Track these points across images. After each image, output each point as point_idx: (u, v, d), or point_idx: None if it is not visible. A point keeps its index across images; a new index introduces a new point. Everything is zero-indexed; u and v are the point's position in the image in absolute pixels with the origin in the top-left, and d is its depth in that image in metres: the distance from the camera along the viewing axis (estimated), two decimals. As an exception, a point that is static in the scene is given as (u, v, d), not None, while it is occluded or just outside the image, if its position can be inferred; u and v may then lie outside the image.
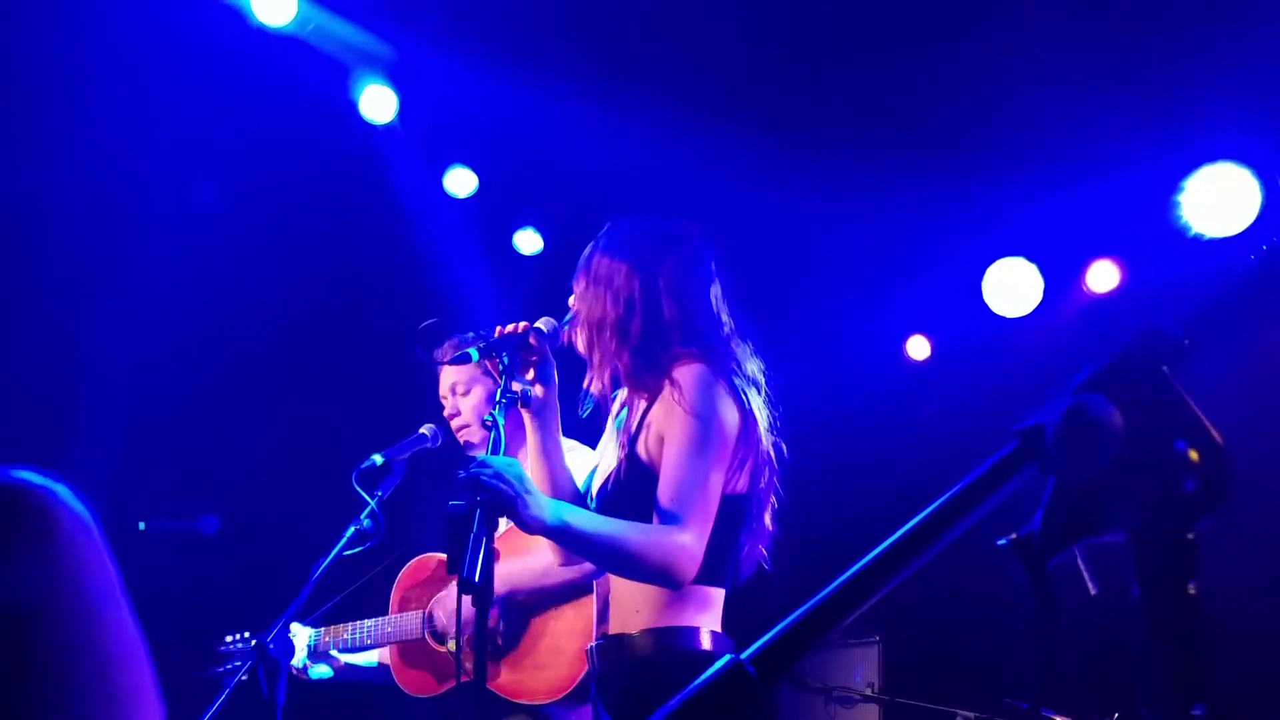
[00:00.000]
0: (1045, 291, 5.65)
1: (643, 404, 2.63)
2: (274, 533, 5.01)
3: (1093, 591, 4.14)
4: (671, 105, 5.11)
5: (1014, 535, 0.96)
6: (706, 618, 2.55)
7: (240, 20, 4.63)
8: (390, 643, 3.68)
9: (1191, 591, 0.91)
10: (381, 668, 3.85)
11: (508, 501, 2.30)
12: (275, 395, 5.57)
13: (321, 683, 3.83)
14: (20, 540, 1.12)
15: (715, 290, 2.68)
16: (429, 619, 3.60)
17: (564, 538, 2.45)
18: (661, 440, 2.53)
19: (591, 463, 2.87)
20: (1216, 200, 4.76)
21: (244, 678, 3.49)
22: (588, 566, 3.28)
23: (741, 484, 2.55)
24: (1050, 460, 0.90)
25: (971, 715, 4.56)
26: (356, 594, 3.79)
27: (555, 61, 5.03)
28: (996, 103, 4.99)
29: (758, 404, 2.59)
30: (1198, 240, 4.78)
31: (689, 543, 2.41)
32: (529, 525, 2.37)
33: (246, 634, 3.73)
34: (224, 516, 4.30)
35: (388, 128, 5.20)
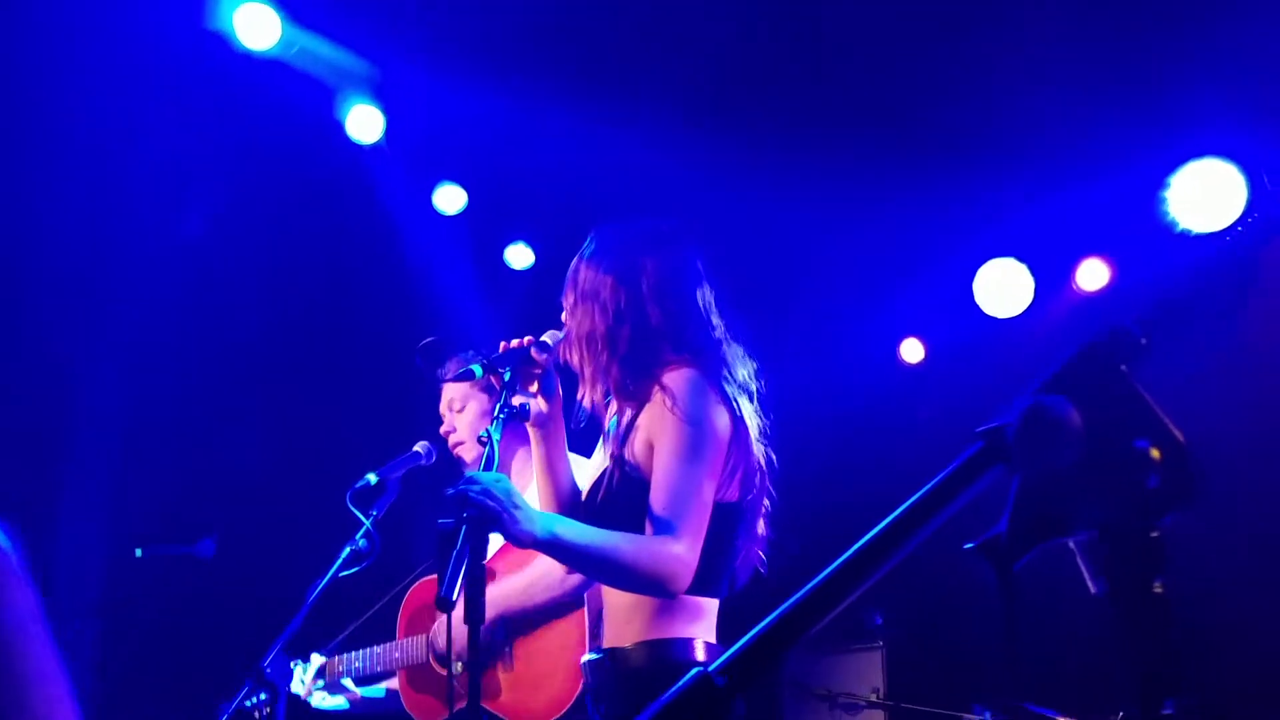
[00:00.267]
0: (1036, 291, 5.65)
1: (631, 411, 2.60)
2: (270, 555, 5.00)
3: (1093, 590, 4.14)
4: (660, 115, 5.12)
5: (982, 537, 0.97)
6: (699, 628, 2.52)
7: (225, 45, 4.64)
8: (398, 668, 3.67)
9: (1158, 589, 0.91)
10: (392, 694, 3.83)
11: (494, 516, 2.29)
12: (268, 416, 5.57)
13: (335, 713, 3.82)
14: None
15: (704, 292, 2.66)
16: (433, 641, 3.60)
17: (555, 550, 2.43)
18: (651, 447, 2.50)
19: (590, 473, 2.86)
20: (1203, 196, 4.77)
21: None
22: (575, 581, 3.29)
23: (732, 492, 2.53)
24: (1012, 460, 0.91)
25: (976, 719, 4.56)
26: (363, 617, 3.78)
27: (542, 75, 5.04)
28: (984, 104, 5.00)
29: (748, 410, 2.57)
30: (1185, 236, 4.79)
31: (682, 551, 2.38)
32: (519, 539, 2.35)
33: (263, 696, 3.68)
34: (220, 540, 4.29)
35: (375, 147, 5.20)
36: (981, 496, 1.02)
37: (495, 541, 3.45)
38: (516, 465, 3.64)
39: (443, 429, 3.74)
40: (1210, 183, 4.76)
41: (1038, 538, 0.95)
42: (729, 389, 2.55)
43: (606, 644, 2.61)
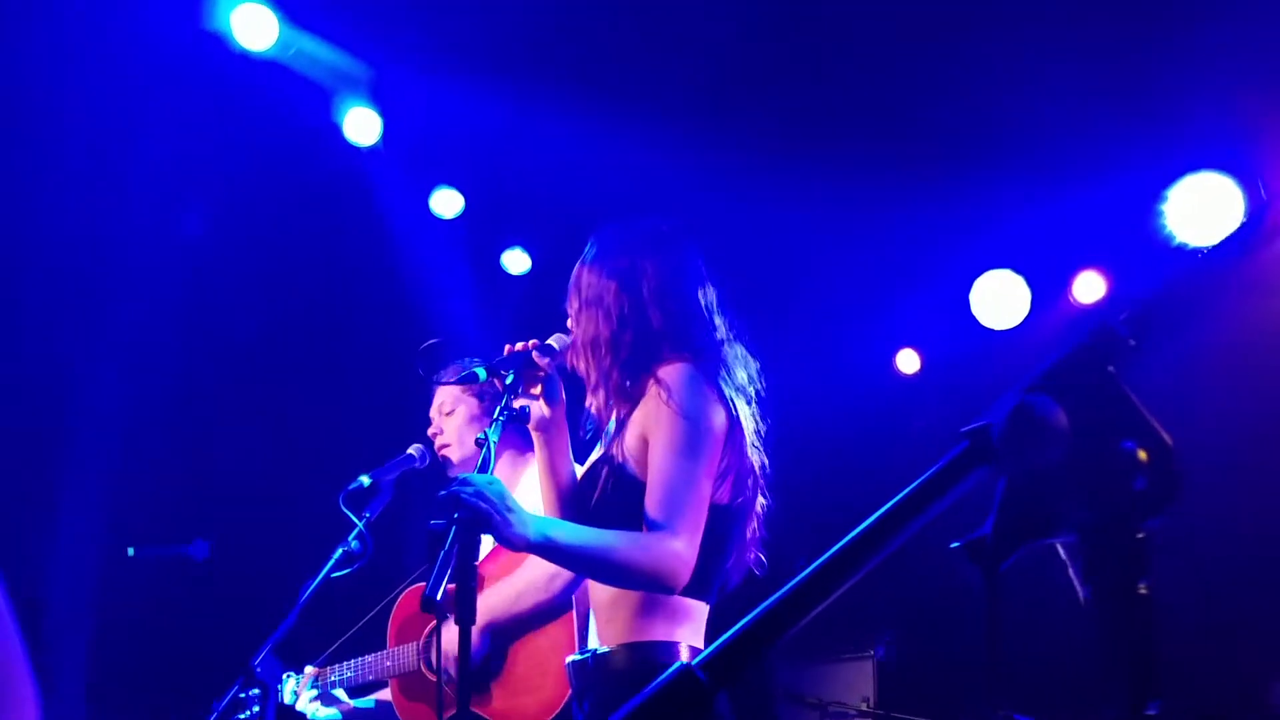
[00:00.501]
0: (1033, 303, 5.66)
1: (626, 409, 2.58)
2: (263, 556, 4.99)
3: (1083, 597, 4.14)
4: (658, 121, 5.12)
5: (968, 538, 0.96)
6: (685, 631, 2.50)
7: (222, 46, 4.64)
8: (389, 676, 3.66)
9: (1143, 591, 0.91)
10: (382, 705, 3.82)
11: (486, 519, 2.28)
12: (262, 418, 5.56)
13: None
14: None
15: (706, 292, 2.64)
16: (423, 648, 3.59)
17: (549, 553, 2.40)
18: (645, 442, 2.48)
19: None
20: (1200, 209, 4.78)
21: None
22: (562, 583, 3.28)
23: (723, 494, 2.50)
24: (998, 460, 0.91)
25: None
26: (354, 628, 3.77)
27: (540, 79, 5.04)
28: (983, 115, 5.01)
29: (745, 412, 2.55)
30: (1182, 249, 4.80)
31: (681, 548, 2.36)
32: (512, 542, 2.33)
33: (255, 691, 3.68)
34: (213, 541, 4.28)
35: (372, 150, 5.21)
36: (970, 498, 1.02)
37: (484, 545, 3.47)
38: (503, 469, 3.64)
39: (430, 430, 3.74)
40: (1208, 196, 4.77)
41: (1024, 538, 0.94)
42: (726, 388, 2.52)
43: (590, 645, 2.59)
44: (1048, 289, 5.63)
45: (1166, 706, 0.90)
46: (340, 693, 3.74)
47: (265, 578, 4.38)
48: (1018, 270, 5.65)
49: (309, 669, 3.72)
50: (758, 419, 2.60)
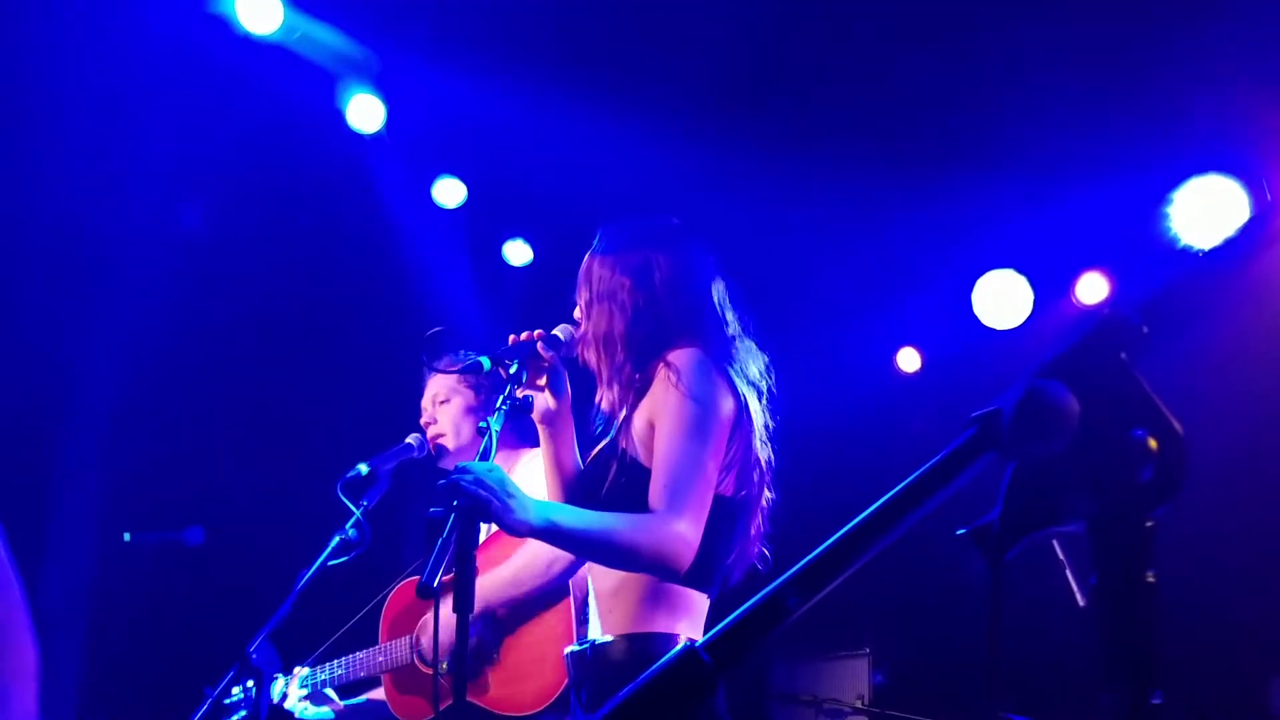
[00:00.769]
0: (1035, 303, 5.66)
1: (636, 397, 2.56)
2: (259, 543, 4.99)
3: (1081, 603, 4.14)
4: (661, 116, 5.12)
5: (973, 525, 0.95)
6: (685, 624, 2.48)
7: (226, 29, 4.63)
8: (381, 671, 3.65)
9: (1150, 580, 0.90)
10: (372, 704, 3.81)
11: (486, 506, 2.27)
12: (260, 405, 5.56)
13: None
14: None
15: (717, 287, 2.64)
16: (417, 640, 3.58)
17: (553, 537, 2.39)
18: (652, 426, 2.46)
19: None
20: (1205, 212, 4.77)
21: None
22: (560, 567, 3.27)
23: (728, 486, 2.48)
24: (1006, 446, 0.90)
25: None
26: (344, 627, 3.76)
27: (545, 70, 5.03)
28: (986, 115, 5.01)
29: (755, 405, 2.54)
30: (1186, 252, 4.78)
31: (685, 529, 2.34)
32: (514, 529, 2.32)
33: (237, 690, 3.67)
34: (209, 527, 4.28)
35: (375, 137, 5.20)
36: (969, 494, 1.01)
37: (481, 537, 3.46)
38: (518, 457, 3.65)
39: (423, 420, 3.73)
40: (1212, 199, 4.76)
41: (1030, 526, 0.93)
42: (736, 378, 2.51)
43: (589, 635, 2.58)
44: (1050, 289, 5.62)
45: (1165, 704, 0.89)
46: (330, 692, 3.73)
47: (261, 565, 4.37)
48: (1020, 270, 5.64)
49: (298, 670, 3.71)
50: (767, 414, 2.59)
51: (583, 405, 2.73)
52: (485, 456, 2.41)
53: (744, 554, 2.56)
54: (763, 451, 2.55)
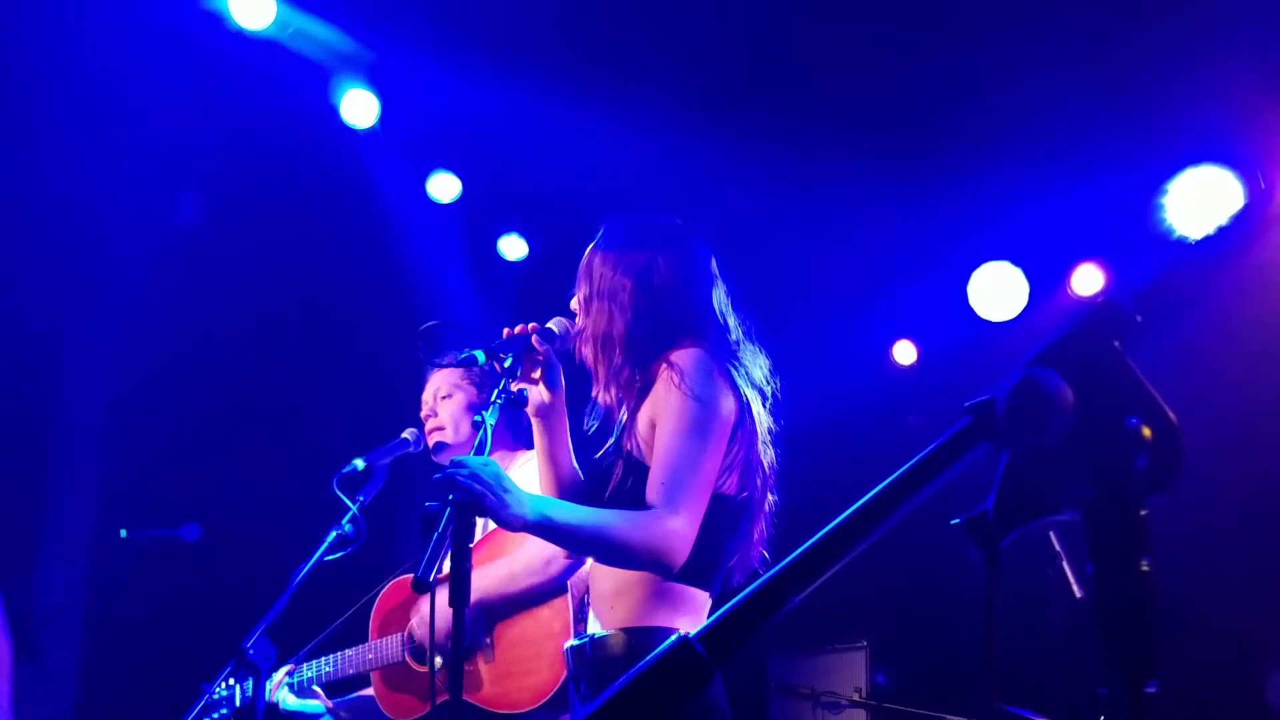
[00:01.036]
0: (1031, 295, 5.66)
1: (637, 398, 2.56)
2: (256, 539, 4.99)
3: (1078, 595, 4.14)
4: (657, 109, 5.11)
5: (968, 514, 0.95)
6: (686, 620, 2.47)
7: (219, 24, 4.61)
8: (371, 669, 3.64)
9: (1145, 568, 0.90)
10: (361, 700, 3.80)
11: (481, 500, 2.27)
12: (256, 401, 5.55)
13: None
14: None
15: (719, 290, 2.64)
16: (408, 638, 3.57)
17: (547, 532, 2.39)
18: (654, 426, 2.46)
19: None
20: (1200, 203, 4.77)
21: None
22: (559, 566, 3.27)
23: (730, 485, 2.49)
24: (1000, 434, 0.90)
25: (958, 720, 4.56)
26: (333, 625, 3.76)
27: (540, 65, 5.02)
28: (981, 107, 5.01)
29: (757, 406, 2.53)
30: (1181, 243, 4.78)
31: (680, 526, 2.34)
32: (509, 523, 2.32)
33: (232, 681, 3.67)
34: (205, 524, 4.27)
35: (369, 132, 5.18)
36: (970, 481, 1.01)
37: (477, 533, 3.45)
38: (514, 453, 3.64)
39: (423, 413, 3.73)
40: (1207, 189, 4.77)
41: (1025, 515, 0.93)
42: (739, 379, 2.51)
43: (589, 630, 2.58)
44: (1046, 281, 5.62)
45: (1161, 694, 0.89)
46: (318, 689, 3.73)
47: (258, 561, 4.37)
48: (1016, 262, 5.64)
49: (285, 668, 3.70)
50: (770, 417, 2.58)
51: (579, 401, 2.73)
52: (480, 451, 2.40)
53: (746, 557, 2.56)
54: (765, 454, 2.55)
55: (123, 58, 4.71)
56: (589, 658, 2.54)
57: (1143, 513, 0.90)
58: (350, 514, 3.37)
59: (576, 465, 2.72)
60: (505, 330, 2.61)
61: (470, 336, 3.45)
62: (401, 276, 5.61)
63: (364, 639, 3.66)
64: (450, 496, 2.26)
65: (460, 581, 2.24)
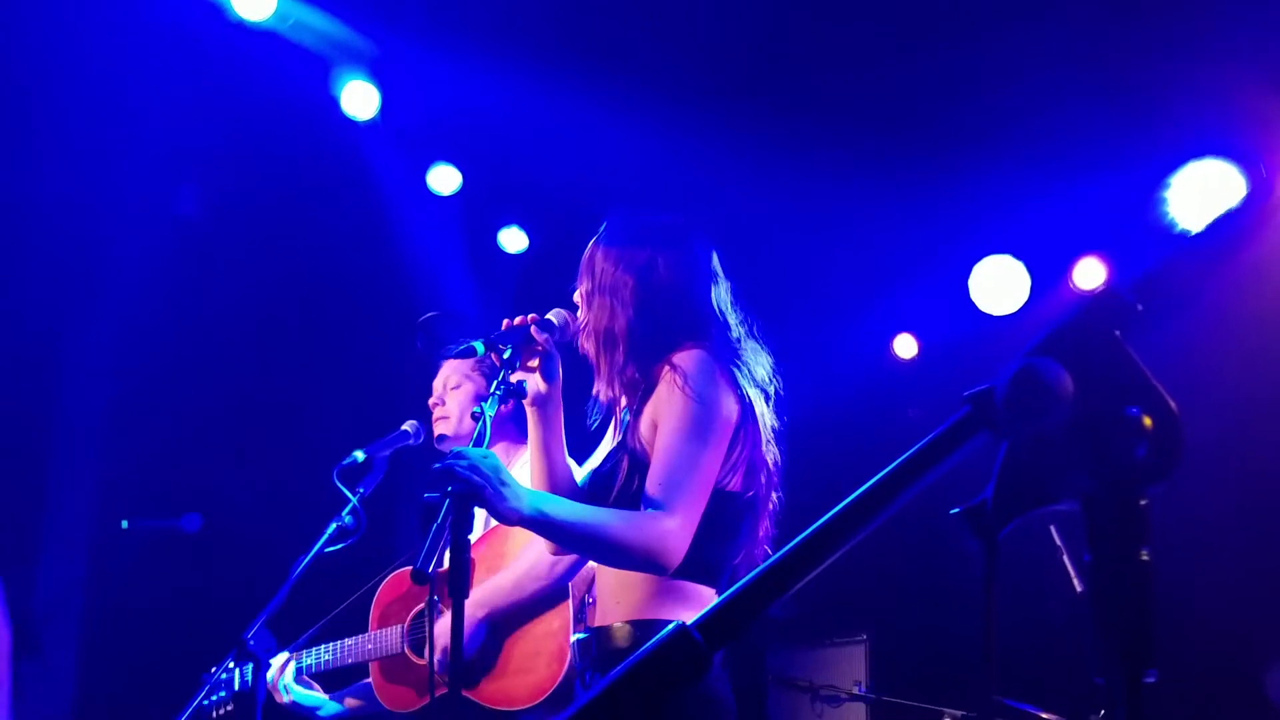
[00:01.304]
0: (1032, 289, 5.65)
1: (640, 398, 2.57)
2: (256, 530, 4.99)
3: (1079, 589, 4.14)
4: (658, 103, 5.10)
5: (967, 504, 0.95)
6: (690, 616, 2.47)
7: (219, 15, 4.61)
8: (371, 659, 3.64)
9: (1144, 558, 0.90)
10: (362, 687, 3.80)
11: (479, 492, 2.27)
12: (256, 393, 5.55)
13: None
14: None
15: (721, 289, 2.64)
16: (408, 629, 3.57)
17: (542, 528, 2.39)
18: (655, 427, 2.47)
19: (579, 474, 2.83)
20: (1202, 196, 4.76)
21: (227, 704, 3.49)
22: (562, 568, 3.26)
23: (735, 482, 2.48)
24: (999, 423, 0.89)
25: (959, 714, 4.56)
26: (331, 614, 3.76)
27: (541, 57, 5.02)
28: (983, 101, 5.00)
29: (760, 405, 2.53)
30: (1184, 237, 4.77)
31: (675, 528, 2.34)
32: (505, 516, 2.32)
33: (232, 665, 3.67)
34: (206, 514, 4.28)
35: (370, 124, 5.18)
36: (969, 471, 1.00)
37: (477, 529, 3.45)
38: (498, 455, 3.63)
39: (431, 401, 3.73)
40: (1209, 183, 4.76)
41: (1024, 505, 0.93)
42: (741, 379, 2.51)
43: (595, 623, 2.58)
44: (1048, 275, 5.61)
45: (1160, 691, 0.89)
46: (312, 681, 3.74)
47: (258, 551, 4.37)
48: (1017, 256, 5.63)
49: (284, 656, 3.70)
50: (773, 416, 2.58)
51: (579, 398, 2.73)
52: (479, 442, 2.41)
53: (750, 556, 2.56)
54: (769, 452, 2.55)
55: (123, 50, 4.70)
56: (594, 651, 2.54)
57: (1142, 502, 0.90)
58: (350, 506, 3.37)
59: (569, 460, 2.72)
60: (505, 322, 2.61)
61: (469, 328, 3.45)
62: (401, 269, 5.61)
63: (363, 629, 3.67)
64: (449, 488, 2.26)
65: (460, 573, 2.24)
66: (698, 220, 2.74)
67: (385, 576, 3.73)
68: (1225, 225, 0.99)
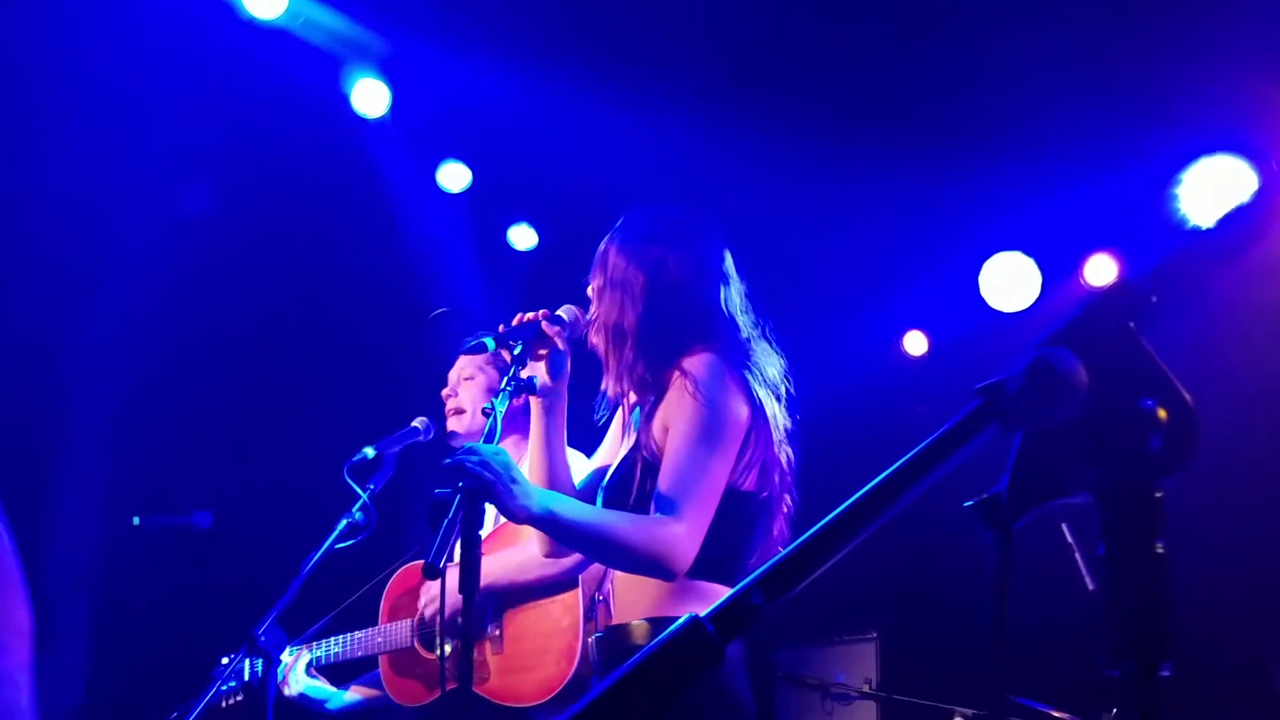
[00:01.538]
0: (1043, 286, 5.63)
1: (651, 402, 2.57)
2: (267, 527, 5.00)
3: (1090, 586, 4.13)
4: (667, 100, 5.10)
5: (981, 496, 0.95)
6: None
7: (230, 13, 4.62)
8: (380, 652, 3.65)
9: (1159, 550, 0.89)
10: (373, 676, 3.80)
11: (490, 488, 2.27)
12: (267, 390, 5.56)
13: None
14: None
15: (731, 291, 2.63)
16: (418, 623, 3.58)
17: (551, 527, 2.40)
18: (666, 430, 2.47)
19: (584, 467, 2.83)
20: (1214, 192, 4.74)
21: (237, 694, 3.50)
22: (570, 560, 3.26)
23: (749, 482, 2.48)
24: (1012, 415, 0.89)
25: (969, 713, 4.55)
26: (342, 605, 3.77)
27: (550, 54, 5.02)
28: (993, 97, 4.98)
29: (772, 406, 2.53)
30: (1195, 232, 4.75)
31: (681, 533, 2.34)
32: (514, 514, 2.33)
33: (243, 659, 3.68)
34: (217, 511, 4.29)
35: (380, 121, 5.18)
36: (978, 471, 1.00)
37: (488, 524, 3.45)
38: (509, 451, 3.63)
39: (445, 392, 3.73)
40: (1221, 179, 4.74)
41: (1038, 497, 0.93)
42: (752, 381, 2.51)
43: (614, 621, 2.58)
44: (1059, 271, 5.59)
45: (1173, 684, 0.88)
46: (320, 676, 3.74)
47: (268, 548, 4.38)
48: (1028, 252, 5.62)
49: (295, 648, 3.71)
50: (785, 416, 2.58)
51: (586, 395, 2.73)
52: (490, 439, 2.41)
53: (765, 555, 2.55)
54: (783, 452, 2.55)
55: (134, 48, 4.71)
56: (612, 649, 2.54)
57: (1157, 495, 0.89)
58: (360, 502, 3.38)
59: (576, 453, 2.72)
60: (516, 316, 2.61)
61: (479, 324, 3.45)
62: (411, 266, 5.61)
63: (373, 623, 3.67)
64: (460, 483, 2.26)
65: (470, 569, 2.24)
66: (710, 217, 2.74)
67: (396, 570, 3.73)
68: (1237, 221, 0.98)
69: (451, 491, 2.27)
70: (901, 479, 0.92)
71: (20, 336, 4.97)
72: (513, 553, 3.34)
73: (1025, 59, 4.82)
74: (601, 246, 2.69)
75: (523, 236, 5.84)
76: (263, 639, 3.17)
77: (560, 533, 2.44)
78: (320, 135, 5.18)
